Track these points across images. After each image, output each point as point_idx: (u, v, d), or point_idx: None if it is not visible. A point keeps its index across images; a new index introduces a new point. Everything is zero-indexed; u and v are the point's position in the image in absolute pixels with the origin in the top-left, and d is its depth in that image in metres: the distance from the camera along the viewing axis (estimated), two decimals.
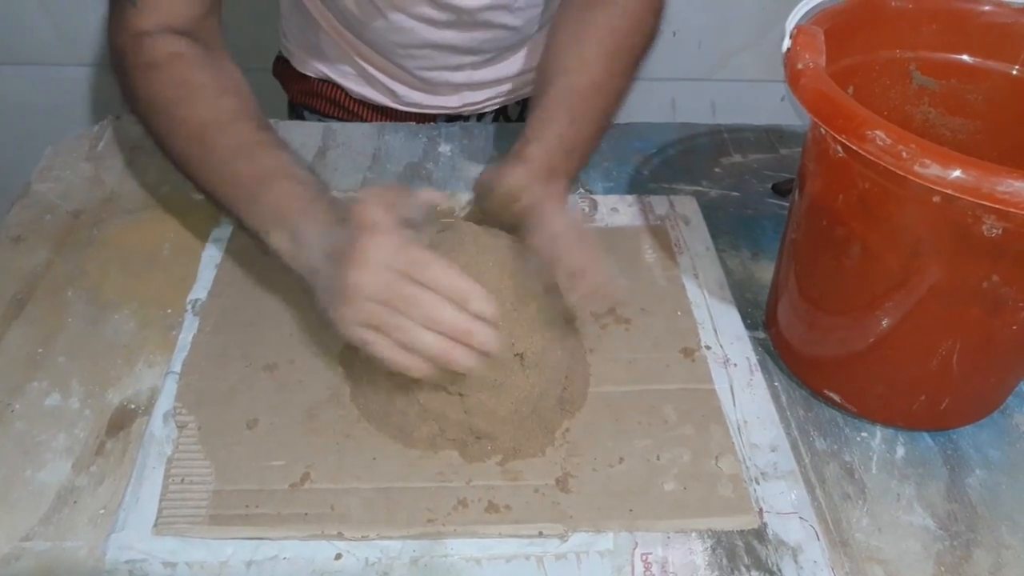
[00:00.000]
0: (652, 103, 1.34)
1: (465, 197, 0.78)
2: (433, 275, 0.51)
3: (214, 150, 0.62)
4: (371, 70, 0.90)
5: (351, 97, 0.94)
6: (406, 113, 0.93)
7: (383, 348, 0.53)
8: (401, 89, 0.91)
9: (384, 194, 0.55)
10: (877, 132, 0.47)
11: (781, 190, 0.82)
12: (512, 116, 0.99)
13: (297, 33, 0.93)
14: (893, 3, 0.62)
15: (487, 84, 0.92)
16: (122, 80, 0.67)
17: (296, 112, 0.99)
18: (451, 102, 0.93)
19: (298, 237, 0.57)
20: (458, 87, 0.91)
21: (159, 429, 0.56)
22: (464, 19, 0.82)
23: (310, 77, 0.95)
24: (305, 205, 0.58)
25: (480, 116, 0.97)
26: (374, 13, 0.81)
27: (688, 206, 0.79)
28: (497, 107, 0.97)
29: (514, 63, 0.92)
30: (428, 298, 0.51)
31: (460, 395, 0.54)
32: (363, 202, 0.54)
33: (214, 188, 0.63)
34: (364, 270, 0.51)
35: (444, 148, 0.86)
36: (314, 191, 0.60)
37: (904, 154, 0.46)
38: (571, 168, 0.68)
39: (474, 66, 0.89)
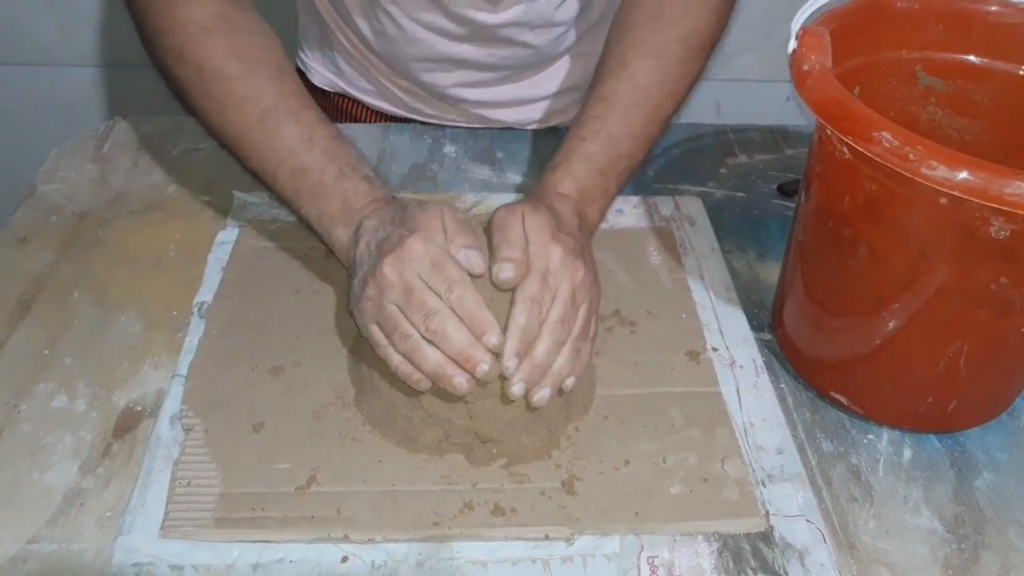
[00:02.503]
0: None
1: (471, 198, 0.78)
2: (459, 296, 0.51)
3: (278, 136, 0.61)
4: (388, 85, 0.89)
5: (370, 111, 0.93)
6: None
7: (389, 352, 0.53)
8: (418, 106, 0.90)
9: (450, 213, 0.55)
10: (883, 133, 0.47)
11: (787, 191, 0.82)
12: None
13: (315, 47, 0.92)
14: (899, 3, 0.62)
15: (505, 104, 0.90)
16: (159, 36, 0.64)
17: None
18: (471, 121, 0.91)
19: (360, 233, 0.57)
20: (476, 104, 0.89)
21: (165, 432, 0.56)
22: (482, 34, 0.80)
23: (328, 92, 0.94)
24: (374, 204, 0.60)
25: None
26: (390, 24, 0.80)
27: (693, 207, 0.79)
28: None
29: (535, 85, 0.89)
30: (444, 315, 0.51)
31: (465, 401, 0.54)
32: (428, 210, 0.55)
33: (274, 174, 0.62)
34: (396, 268, 0.52)
35: (449, 149, 0.86)
36: (382, 191, 0.61)
37: (911, 156, 0.46)
38: (608, 188, 0.66)
39: (491, 83, 0.87)
